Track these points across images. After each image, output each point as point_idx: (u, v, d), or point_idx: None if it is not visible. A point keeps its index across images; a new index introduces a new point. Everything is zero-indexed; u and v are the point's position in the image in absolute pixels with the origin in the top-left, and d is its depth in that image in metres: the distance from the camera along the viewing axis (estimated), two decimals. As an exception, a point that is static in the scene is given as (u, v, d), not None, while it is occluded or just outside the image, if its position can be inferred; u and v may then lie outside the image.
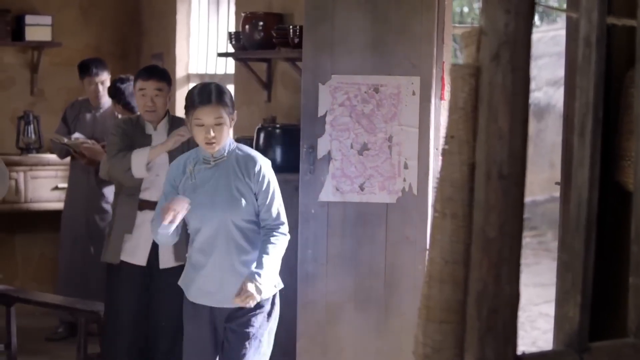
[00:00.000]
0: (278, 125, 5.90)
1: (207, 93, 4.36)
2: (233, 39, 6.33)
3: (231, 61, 6.95)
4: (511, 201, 2.34)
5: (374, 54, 5.05)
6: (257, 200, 4.39)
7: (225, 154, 4.42)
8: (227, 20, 7.24)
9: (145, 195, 5.39)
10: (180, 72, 7.80)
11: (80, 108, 7.07)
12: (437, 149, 5.15)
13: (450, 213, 2.44)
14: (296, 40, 5.61)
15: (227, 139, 4.40)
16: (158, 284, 5.40)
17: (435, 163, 5.01)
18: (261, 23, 5.99)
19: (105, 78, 7.10)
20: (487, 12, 2.34)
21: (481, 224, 2.36)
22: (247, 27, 6.10)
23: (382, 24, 5.02)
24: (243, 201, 4.36)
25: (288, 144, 5.73)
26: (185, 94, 7.74)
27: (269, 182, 4.40)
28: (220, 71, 7.39)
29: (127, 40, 8.32)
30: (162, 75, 5.56)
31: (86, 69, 7.09)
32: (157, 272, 5.39)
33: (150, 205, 5.29)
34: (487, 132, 2.34)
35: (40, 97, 7.98)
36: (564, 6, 3.06)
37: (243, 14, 6.23)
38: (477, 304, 2.39)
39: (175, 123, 5.56)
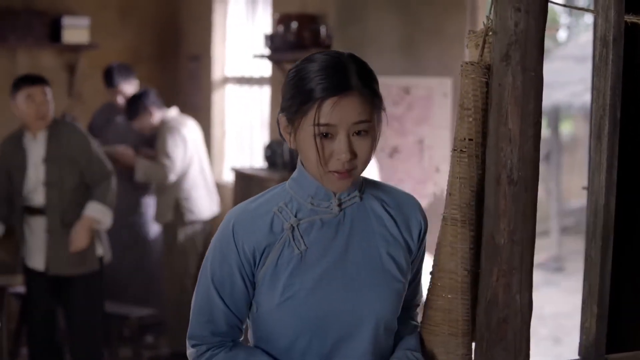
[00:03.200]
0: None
1: (342, 70, 2.19)
2: (269, 41, 6.28)
3: (268, 63, 6.90)
4: (522, 207, 2.26)
5: (405, 55, 4.97)
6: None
7: (358, 193, 2.32)
8: (265, 22, 7.19)
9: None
10: (216, 75, 7.76)
11: (112, 111, 7.01)
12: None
13: (469, 220, 2.34)
14: (327, 41, 5.54)
15: (364, 170, 2.29)
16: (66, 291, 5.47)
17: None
18: (294, 24, 5.92)
19: (125, 87, 6.97)
20: (497, 10, 2.26)
21: (490, 231, 2.29)
22: (280, 28, 6.05)
23: (413, 25, 4.94)
24: (403, 282, 2.36)
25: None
26: (219, 97, 7.82)
27: (425, 244, 2.45)
28: (257, 74, 7.34)
29: (165, 43, 8.30)
30: (45, 80, 5.56)
31: (109, 79, 7.01)
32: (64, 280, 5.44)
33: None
34: (497, 135, 2.26)
35: (78, 99, 7.97)
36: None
37: (277, 16, 6.18)
38: (486, 314, 2.31)
39: (58, 128, 5.48)
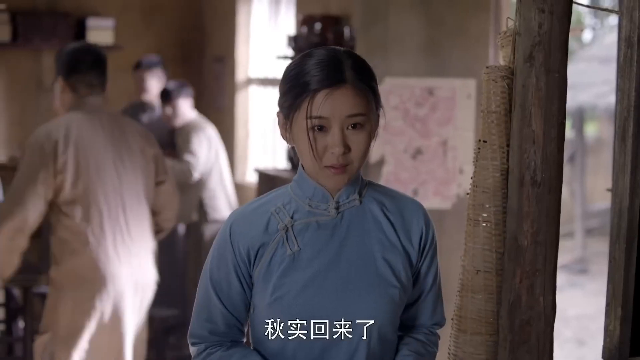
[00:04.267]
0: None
1: (335, 64, 2.17)
2: (292, 42, 6.28)
3: (291, 64, 6.89)
4: (545, 208, 2.26)
5: (428, 56, 4.96)
6: (414, 282, 2.33)
7: (358, 196, 2.28)
8: (288, 23, 7.20)
9: None
10: (240, 76, 7.77)
11: (138, 110, 6.98)
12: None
13: (483, 220, 2.36)
14: (351, 42, 5.54)
15: (361, 167, 2.25)
16: None
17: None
18: (318, 25, 5.92)
19: (155, 72, 6.97)
20: (521, 12, 2.26)
21: (513, 232, 2.29)
22: (304, 29, 6.05)
23: (437, 26, 4.93)
24: (399, 288, 2.27)
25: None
26: (243, 98, 7.82)
27: (435, 251, 2.36)
28: (281, 75, 7.33)
29: (189, 44, 8.32)
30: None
31: (138, 62, 7.02)
32: None
33: None
34: (520, 136, 2.26)
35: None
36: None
37: (300, 17, 6.18)
38: (509, 316, 2.31)
39: None
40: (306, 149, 2.17)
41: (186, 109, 6.67)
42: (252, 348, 2.31)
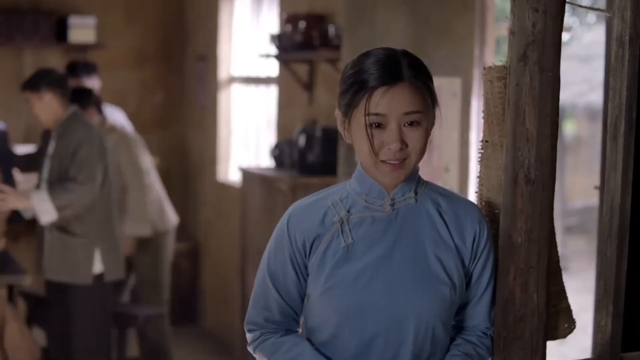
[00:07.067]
0: (318, 128, 5.82)
1: (393, 63, 2.24)
2: (276, 40, 6.29)
3: (275, 63, 6.91)
4: (539, 206, 2.28)
5: (414, 54, 4.97)
6: (467, 283, 2.35)
7: (413, 194, 2.33)
8: (271, 22, 7.21)
9: None
10: (222, 74, 7.78)
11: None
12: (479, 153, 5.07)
13: (491, 218, 2.40)
14: (336, 41, 5.55)
15: (418, 163, 2.30)
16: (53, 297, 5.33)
17: (476, 167, 4.91)
18: (302, 24, 5.93)
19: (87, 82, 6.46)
20: (515, 11, 2.28)
21: (507, 230, 2.31)
22: (288, 27, 6.06)
23: (423, 25, 4.94)
24: (449, 285, 2.30)
25: (328, 146, 5.66)
26: (225, 97, 7.82)
27: (490, 253, 2.36)
28: (264, 73, 7.35)
29: (171, 43, 8.31)
30: (29, 84, 5.27)
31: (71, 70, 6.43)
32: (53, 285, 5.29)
33: None
34: (514, 134, 2.28)
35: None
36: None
37: (285, 15, 6.19)
38: (503, 312, 2.33)
39: (67, 125, 5.22)
40: (364, 144, 2.23)
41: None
42: (305, 337, 2.37)
